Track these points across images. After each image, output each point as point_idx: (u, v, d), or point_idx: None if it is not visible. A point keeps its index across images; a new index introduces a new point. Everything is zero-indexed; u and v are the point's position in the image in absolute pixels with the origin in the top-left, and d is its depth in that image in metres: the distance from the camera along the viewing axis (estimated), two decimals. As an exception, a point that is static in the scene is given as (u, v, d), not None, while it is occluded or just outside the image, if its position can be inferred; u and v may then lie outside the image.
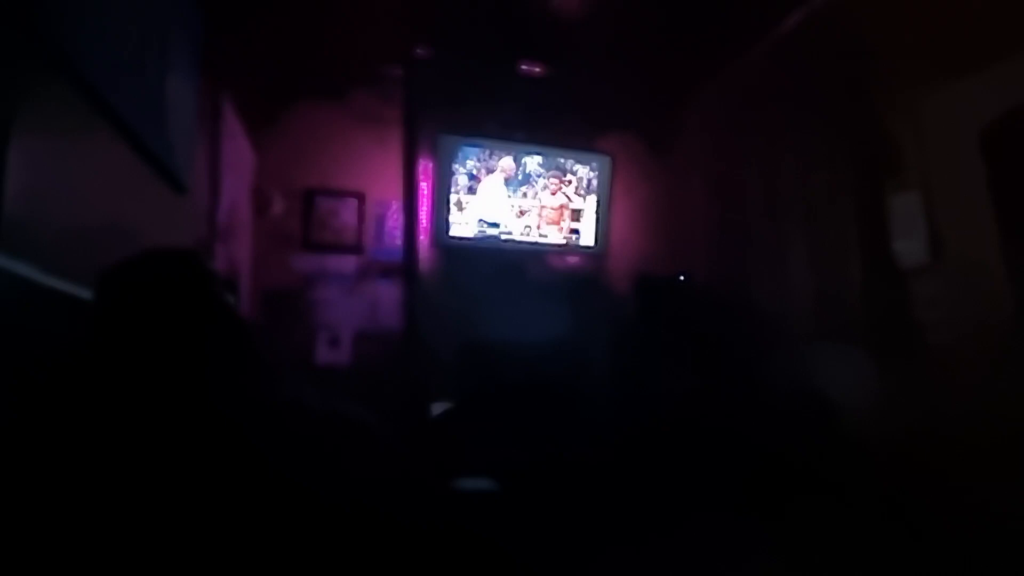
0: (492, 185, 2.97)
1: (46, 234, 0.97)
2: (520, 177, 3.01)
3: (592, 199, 3.10)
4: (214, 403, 0.88)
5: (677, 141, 3.35)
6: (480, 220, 2.95)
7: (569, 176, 3.08)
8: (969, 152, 1.72)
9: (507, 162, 2.99)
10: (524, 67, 3.08)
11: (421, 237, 2.88)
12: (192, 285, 0.92)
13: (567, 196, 3.08)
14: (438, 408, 2.29)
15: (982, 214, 1.68)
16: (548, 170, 3.05)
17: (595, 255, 3.14)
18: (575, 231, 3.10)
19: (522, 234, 3.00)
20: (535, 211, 3.03)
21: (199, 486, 0.80)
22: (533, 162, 3.03)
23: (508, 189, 2.99)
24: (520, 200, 3.01)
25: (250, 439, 0.91)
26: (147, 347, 0.87)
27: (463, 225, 2.93)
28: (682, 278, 2.98)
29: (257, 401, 0.99)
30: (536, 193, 3.03)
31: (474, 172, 2.92)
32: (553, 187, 3.06)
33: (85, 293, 0.95)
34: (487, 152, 2.95)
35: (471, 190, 2.93)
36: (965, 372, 1.71)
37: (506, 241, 2.98)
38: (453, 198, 2.90)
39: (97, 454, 0.77)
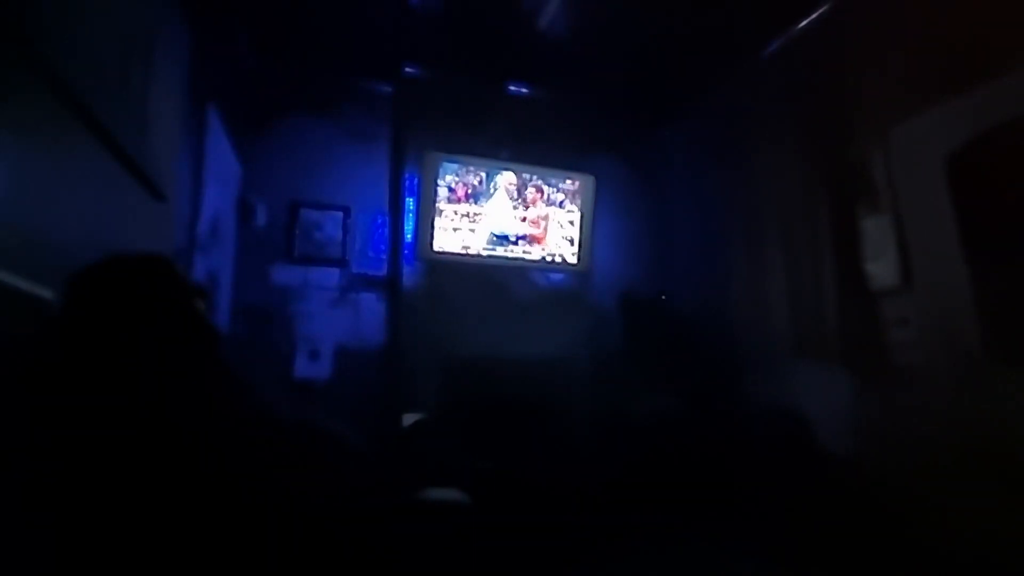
0: (499, 200, 3.00)
1: (22, 237, 0.96)
2: (505, 194, 3.04)
3: (576, 217, 3.14)
4: (177, 408, 0.87)
5: (659, 162, 3.42)
6: (491, 233, 2.98)
7: (553, 194, 3.12)
8: (937, 177, 1.78)
9: (509, 177, 3.03)
10: (512, 87, 3.15)
11: (405, 252, 2.89)
12: (158, 290, 0.92)
13: (551, 214, 3.12)
14: (410, 419, 2.27)
15: (950, 237, 1.72)
16: (532, 188, 3.08)
17: (578, 272, 3.17)
18: (558, 248, 3.12)
19: (506, 250, 3.02)
20: (519, 228, 3.06)
21: (157, 490, 0.79)
22: (518, 180, 3.06)
23: (493, 205, 3.02)
24: (504, 216, 3.04)
25: (214, 445, 0.90)
26: (111, 350, 0.86)
27: (446, 239, 2.94)
28: (663, 297, 3.01)
29: (223, 408, 0.98)
30: (521, 210, 3.07)
31: (452, 186, 2.95)
32: (536, 204, 3.09)
33: (54, 295, 0.94)
34: (468, 168, 2.98)
35: (450, 202, 2.95)
36: (934, 390, 1.73)
37: (490, 256, 2.99)
38: (438, 212, 2.92)
39: (58, 455, 0.76)
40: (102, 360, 0.83)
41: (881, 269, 1.97)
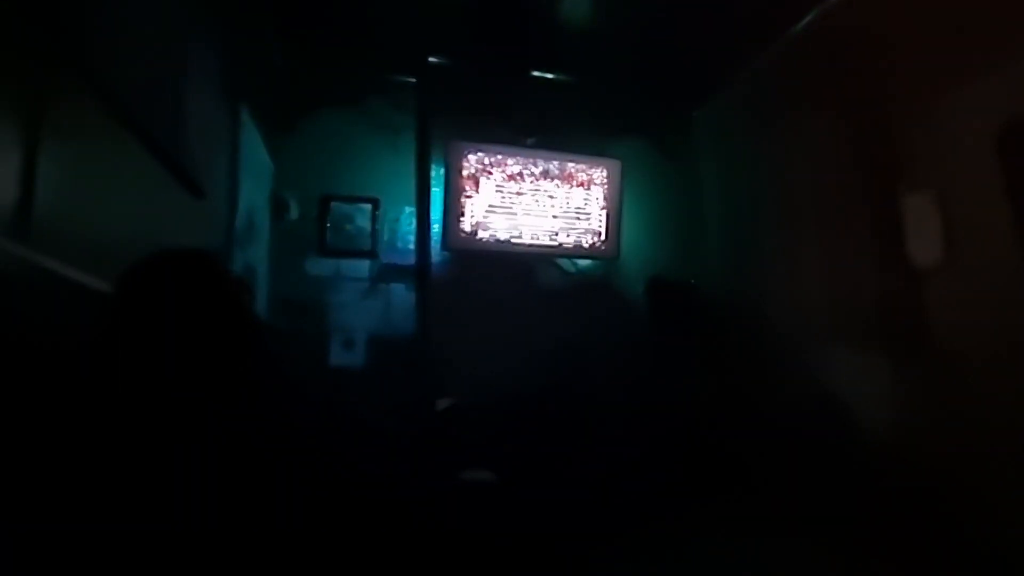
0: (503, 188, 3.00)
1: (72, 233, 1.02)
2: (531, 181, 3.03)
3: (603, 203, 3.11)
4: (224, 397, 0.91)
5: (688, 145, 3.35)
6: (489, 217, 2.98)
7: (580, 180, 3.09)
8: (984, 152, 1.70)
9: (515, 166, 3.02)
10: (536, 74, 3.12)
11: (432, 241, 2.92)
12: (205, 284, 0.96)
13: (579, 200, 3.10)
14: (443, 404, 2.31)
15: (997, 214, 1.65)
16: (559, 175, 3.06)
17: (606, 258, 3.14)
18: (586, 235, 3.10)
19: (533, 237, 3.02)
20: (547, 215, 3.05)
21: (204, 475, 0.82)
22: (544, 167, 3.05)
23: (520, 193, 3.01)
24: (531, 203, 3.03)
25: (258, 431, 0.94)
26: (161, 341, 0.91)
27: (473, 228, 2.96)
28: (693, 281, 2.97)
29: (266, 395, 1.02)
30: (548, 197, 3.05)
31: (480, 176, 2.95)
32: (564, 191, 3.07)
33: (107, 288, 0.99)
34: (497, 157, 2.98)
35: (478, 194, 2.96)
36: (980, 373, 1.67)
37: (517, 244, 3.00)
38: (464, 202, 2.94)
39: (109, 446, 0.80)
40: (156, 352, 0.87)
41: (924, 247, 1.90)
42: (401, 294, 2.91)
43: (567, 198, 3.07)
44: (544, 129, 3.06)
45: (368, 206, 2.94)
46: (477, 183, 2.96)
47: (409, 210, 2.97)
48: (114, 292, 0.95)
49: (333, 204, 2.89)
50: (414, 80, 3.01)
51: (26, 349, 0.83)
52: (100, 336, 0.92)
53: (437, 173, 2.94)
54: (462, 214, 2.93)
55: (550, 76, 3.12)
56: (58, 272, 0.93)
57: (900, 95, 2.02)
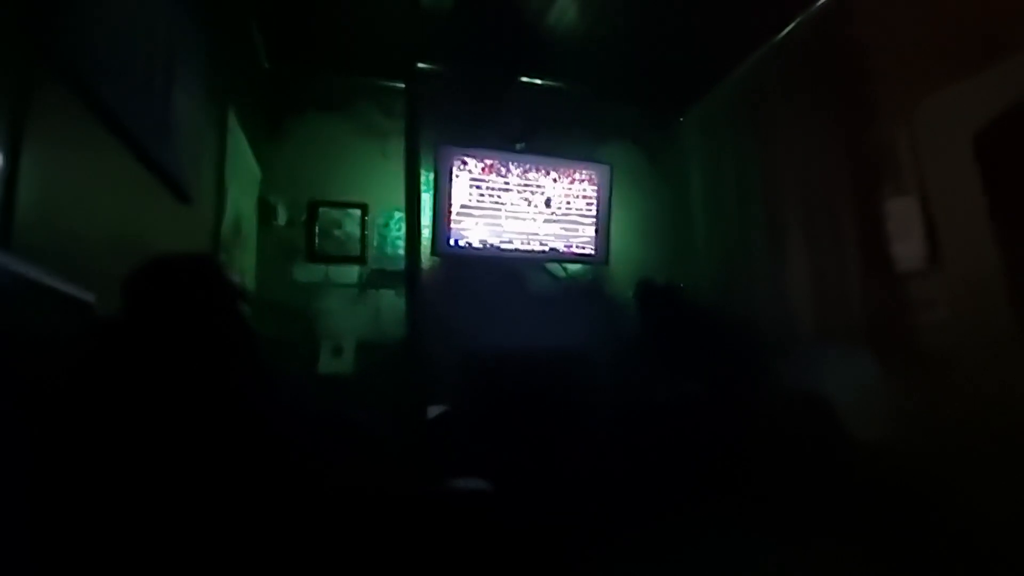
0: (490, 191, 3.00)
1: (56, 240, 1.00)
2: (520, 186, 3.04)
3: (592, 208, 3.12)
4: (221, 405, 0.90)
5: (676, 149, 3.38)
6: (479, 223, 2.98)
7: (570, 185, 3.10)
8: (965, 155, 1.73)
9: (504, 171, 3.02)
10: (525, 80, 3.13)
11: (422, 246, 2.91)
12: (206, 293, 0.94)
13: (569, 205, 3.11)
14: (434, 411, 2.30)
15: (979, 216, 1.68)
16: (548, 179, 3.07)
17: (596, 263, 3.16)
18: (576, 239, 3.11)
19: (523, 243, 3.02)
20: (536, 219, 3.06)
21: (202, 482, 0.81)
22: (533, 171, 3.06)
23: (508, 196, 3.02)
24: (521, 208, 3.04)
25: (255, 439, 0.93)
26: (159, 350, 0.89)
27: (463, 233, 2.95)
28: (682, 285, 2.99)
29: (263, 404, 1.01)
30: (537, 202, 3.06)
31: (469, 181, 2.95)
32: (554, 195, 3.08)
33: (91, 297, 0.97)
34: (486, 162, 2.98)
35: (469, 197, 2.96)
36: (963, 374, 1.70)
37: (507, 250, 3.00)
38: (454, 207, 2.93)
39: (104, 457, 0.79)
40: (154, 358, 0.86)
41: (907, 251, 1.93)
42: (391, 300, 2.89)
43: (557, 203, 3.08)
44: (533, 134, 3.07)
45: (357, 211, 2.92)
46: (465, 187, 2.96)
47: (398, 215, 2.96)
48: (120, 298, 0.93)
49: (321, 210, 2.88)
50: (403, 85, 3.01)
51: (8, 359, 0.81)
52: (98, 342, 0.90)
53: (426, 178, 2.94)
54: (451, 219, 2.92)
55: (539, 82, 3.14)
56: (41, 281, 0.91)
57: (883, 99, 2.06)
